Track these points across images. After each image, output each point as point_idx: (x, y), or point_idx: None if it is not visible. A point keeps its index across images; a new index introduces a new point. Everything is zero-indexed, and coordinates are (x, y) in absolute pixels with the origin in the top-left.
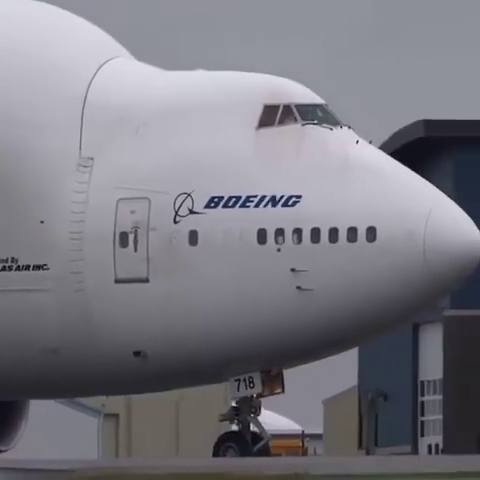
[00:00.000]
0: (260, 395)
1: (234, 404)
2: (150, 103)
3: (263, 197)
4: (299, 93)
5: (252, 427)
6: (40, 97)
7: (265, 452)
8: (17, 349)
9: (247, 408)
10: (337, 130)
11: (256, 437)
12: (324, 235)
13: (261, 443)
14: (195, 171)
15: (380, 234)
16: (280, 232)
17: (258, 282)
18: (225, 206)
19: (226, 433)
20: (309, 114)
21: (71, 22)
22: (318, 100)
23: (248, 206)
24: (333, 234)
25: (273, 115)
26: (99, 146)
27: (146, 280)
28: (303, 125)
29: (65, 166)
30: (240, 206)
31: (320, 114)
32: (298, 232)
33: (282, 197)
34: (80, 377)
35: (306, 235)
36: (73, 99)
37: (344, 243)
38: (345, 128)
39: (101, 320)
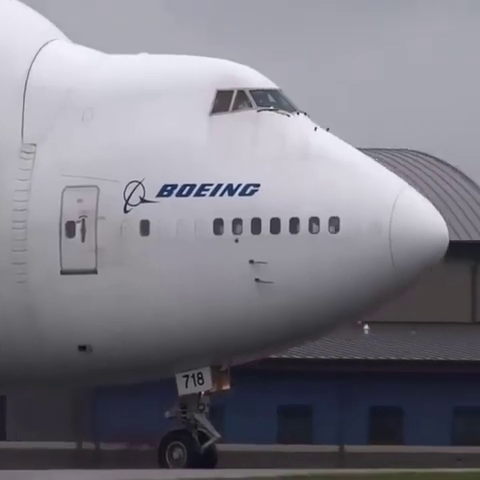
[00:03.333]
0: (208, 392)
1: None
2: (95, 87)
3: (219, 186)
4: (253, 78)
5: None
6: None
7: (212, 452)
8: None
9: (195, 405)
10: (294, 117)
11: (203, 436)
12: (284, 225)
13: (209, 442)
14: (146, 158)
15: (343, 225)
16: (238, 222)
17: (214, 274)
18: (179, 195)
19: (172, 432)
20: (264, 100)
21: (7, 4)
22: (272, 85)
23: (203, 195)
24: (294, 224)
25: (227, 101)
26: (42, 132)
27: (94, 271)
28: (259, 111)
29: (6, 153)
30: (195, 195)
31: (275, 100)
32: (257, 222)
33: (239, 186)
34: (22, 371)
35: (265, 225)
36: (13, 82)
37: (306, 234)
38: (302, 115)
39: (45, 313)
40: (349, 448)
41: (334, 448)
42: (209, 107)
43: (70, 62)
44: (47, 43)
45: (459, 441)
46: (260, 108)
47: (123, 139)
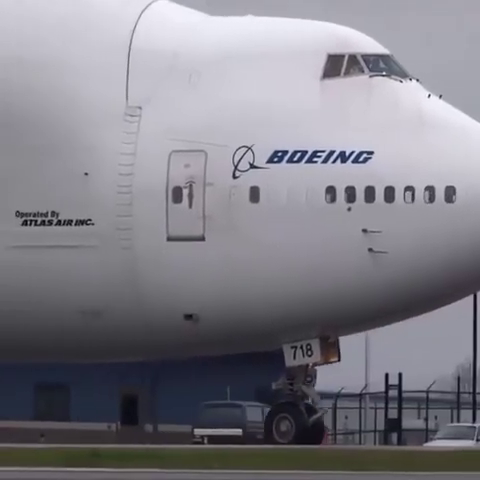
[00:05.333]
0: (315, 364)
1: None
2: (202, 50)
3: (331, 152)
4: (364, 43)
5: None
6: (84, 43)
7: (319, 425)
8: (56, 310)
9: (302, 377)
10: (406, 83)
11: (310, 409)
12: (399, 194)
13: (316, 415)
14: (256, 123)
15: (460, 194)
16: (351, 190)
17: (326, 243)
18: (290, 161)
19: (279, 404)
20: (375, 65)
21: None
22: (384, 50)
23: (315, 162)
24: (408, 193)
25: (338, 65)
26: (147, 95)
27: (202, 238)
28: (371, 76)
29: (111, 115)
30: (306, 161)
31: (386, 66)
32: (370, 190)
33: (352, 153)
34: (124, 340)
35: (379, 194)
36: (117, 45)
37: (421, 203)
38: (414, 81)
39: (150, 280)
40: None
41: None
42: (320, 71)
43: (174, 24)
44: (150, 4)
45: (41, 416)
46: (372, 73)
47: (231, 103)
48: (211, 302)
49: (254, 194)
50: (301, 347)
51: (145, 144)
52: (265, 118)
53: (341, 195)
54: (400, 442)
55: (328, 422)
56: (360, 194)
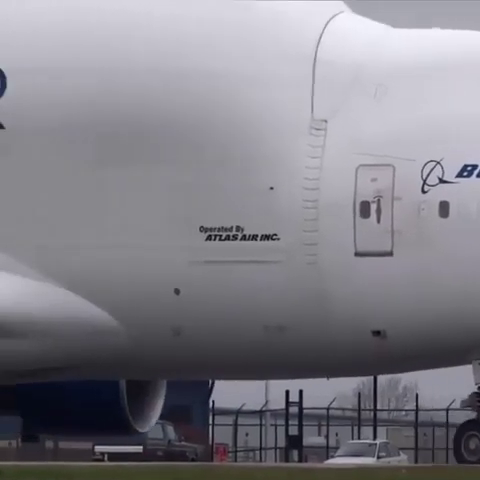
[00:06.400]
0: None
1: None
2: (387, 62)
3: None
4: None
5: None
6: (270, 55)
7: None
8: (239, 325)
9: None
10: None
11: None
12: None
13: None
14: (445, 137)
15: None
16: None
17: None
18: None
19: (468, 421)
20: None
21: None
22: None
23: None
24: None
25: None
26: (333, 108)
27: (390, 253)
28: None
29: (297, 128)
30: None
31: None
32: None
33: None
34: (308, 357)
35: None
36: (302, 56)
37: None
38: None
39: (337, 296)
40: None
41: None
42: None
43: (358, 36)
44: (334, 16)
45: None
46: None
47: (419, 117)
48: (400, 318)
49: (444, 209)
50: None
51: (331, 158)
52: (453, 132)
53: None
54: (301, 459)
55: (228, 439)
56: None
